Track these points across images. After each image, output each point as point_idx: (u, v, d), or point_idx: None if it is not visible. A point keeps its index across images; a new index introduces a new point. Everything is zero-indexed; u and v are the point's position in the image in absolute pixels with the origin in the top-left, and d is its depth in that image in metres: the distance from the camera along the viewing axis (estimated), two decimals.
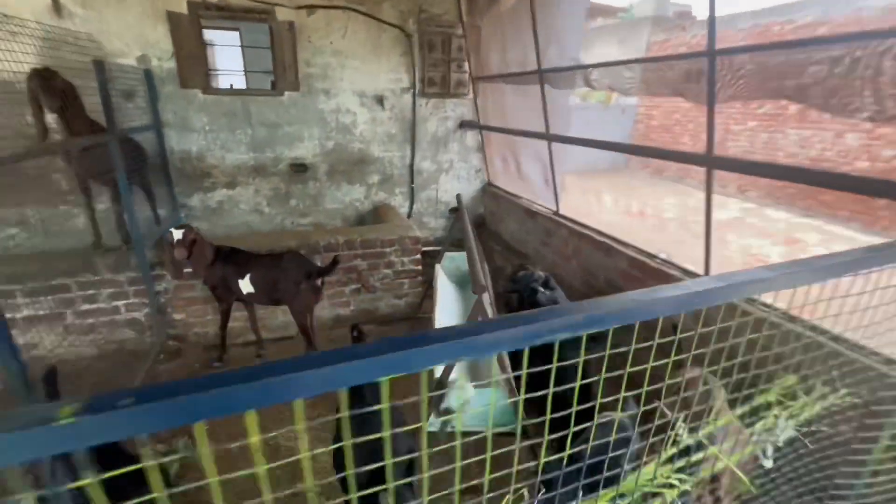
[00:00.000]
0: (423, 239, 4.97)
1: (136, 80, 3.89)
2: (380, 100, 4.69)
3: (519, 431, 1.04)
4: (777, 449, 1.21)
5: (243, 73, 4.63)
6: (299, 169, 4.63)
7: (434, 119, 4.96)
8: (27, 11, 3.37)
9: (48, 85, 2.71)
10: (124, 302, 3.54)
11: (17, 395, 2.07)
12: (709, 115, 2.10)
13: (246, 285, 3.24)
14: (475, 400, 2.05)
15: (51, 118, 2.87)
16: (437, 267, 3.66)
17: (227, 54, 6.08)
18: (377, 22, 4.44)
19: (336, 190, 4.85)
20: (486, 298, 1.95)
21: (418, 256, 4.30)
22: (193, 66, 4.01)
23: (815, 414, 1.30)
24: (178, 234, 2.98)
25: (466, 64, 4.83)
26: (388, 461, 0.70)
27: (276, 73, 4.30)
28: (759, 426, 1.19)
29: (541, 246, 4.17)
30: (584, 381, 0.84)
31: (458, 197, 3.50)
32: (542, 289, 3.01)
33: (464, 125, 5.07)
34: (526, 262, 4.37)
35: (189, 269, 3.16)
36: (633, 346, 0.82)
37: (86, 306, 3.43)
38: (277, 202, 4.68)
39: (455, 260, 3.80)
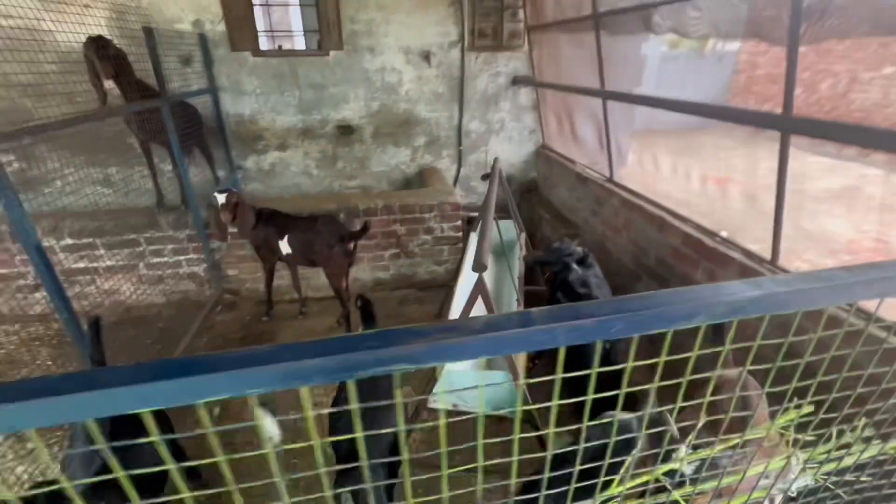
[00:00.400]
0: (468, 205, 4.80)
1: (192, 45, 4.05)
2: (426, 56, 4.45)
3: (519, 417, 0.92)
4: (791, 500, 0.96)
5: (291, 34, 4.63)
6: (345, 131, 4.62)
7: (484, 76, 4.63)
8: None
9: (102, 52, 2.89)
10: (185, 257, 3.87)
11: (71, 339, 2.34)
12: (789, 60, 1.64)
13: (285, 246, 3.36)
14: (478, 382, 1.94)
15: (109, 84, 3.09)
16: (472, 235, 3.50)
17: (278, 16, 6.12)
18: None
19: (382, 153, 4.80)
20: (485, 280, 1.78)
21: (459, 223, 4.17)
22: (242, 28, 4.07)
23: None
24: (221, 199, 3.11)
25: (521, 11, 4.37)
26: (360, 434, 0.63)
27: (320, 31, 4.23)
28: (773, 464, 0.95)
29: (591, 216, 3.81)
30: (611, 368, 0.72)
31: (495, 161, 3.25)
32: (576, 266, 2.75)
33: (517, 81, 4.67)
34: (575, 231, 4.05)
35: (234, 231, 3.33)
36: (697, 352, 0.70)
37: (154, 259, 3.80)
38: (325, 165, 4.75)
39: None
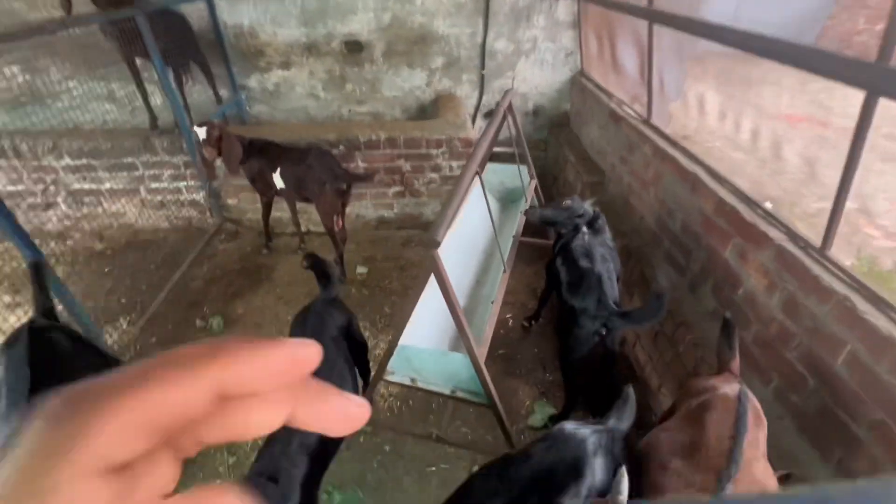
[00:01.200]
0: (490, 140, 4.31)
1: None
2: None
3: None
4: None
5: None
6: (353, 48, 4.12)
7: None
8: None
9: None
10: (183, 184, 3.78)
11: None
12: None
13: (278, 180, 3.15)
14: (441, 361, 1.74)
15: None
16: (477, 178, 3.12)
17: None
18: None
19: (395, 75, 4.29)
20: (440, 257, 1.49)
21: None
22: None
23: None
24: (201, 133, 2.85)
25: None
26: None
27: None
28: None
29: (619, 162, 3.28)
30: None
31: (507, 93, 2.76)
32: (586, 228, 2.36)
33: None
34: (600, 179, 3.55)
35: (219, 165, 3.12)
36: None
37: (153, 185, 3.74)
38: (333, 86, 4.34)
39: (498, 173, 3.19)
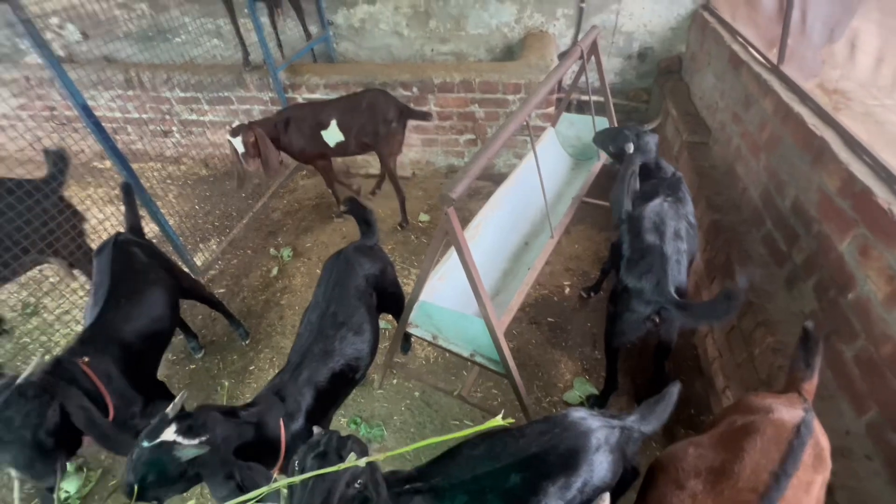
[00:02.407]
0: (569, 87, 3.88)
1: None
2: None
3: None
4: None
5: None
6: None
7: None
8: None
9: None
10: None
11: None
12: None
13: (333, 134, 3.04)
14: (461, 324, 1.67)
15: None
16: (550, 130, 2.82)
17: None
18: None
19: (482, 9, 3.94)
20: (454, 215, 1.34)
21: (550, 110, 3.40)
22: None
23: None
24: (238, 144, 2.66)
25: None
26: None
27: None
28: None
29: (730, 121, 2.71)
30: None
31: (591, 30, 2.36)
32: (633, 152, 2.05)
33: None
34: (703, 139, 3.01)
35: (256, 169, 2.81)
36: None
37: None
38: (417, 23, 4.13)
39: (575, 125, 2.83)
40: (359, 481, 1.00)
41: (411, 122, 3.65)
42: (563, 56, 2.30)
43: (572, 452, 1.19)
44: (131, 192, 2.21)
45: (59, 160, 2.37)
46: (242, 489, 1.12)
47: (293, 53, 3.91)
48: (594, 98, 2.56)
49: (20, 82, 4.21)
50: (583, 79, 2.61)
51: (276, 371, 2.58)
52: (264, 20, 3.88)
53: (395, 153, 3.16)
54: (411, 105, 3.32)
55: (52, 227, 2.23)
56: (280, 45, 4.14)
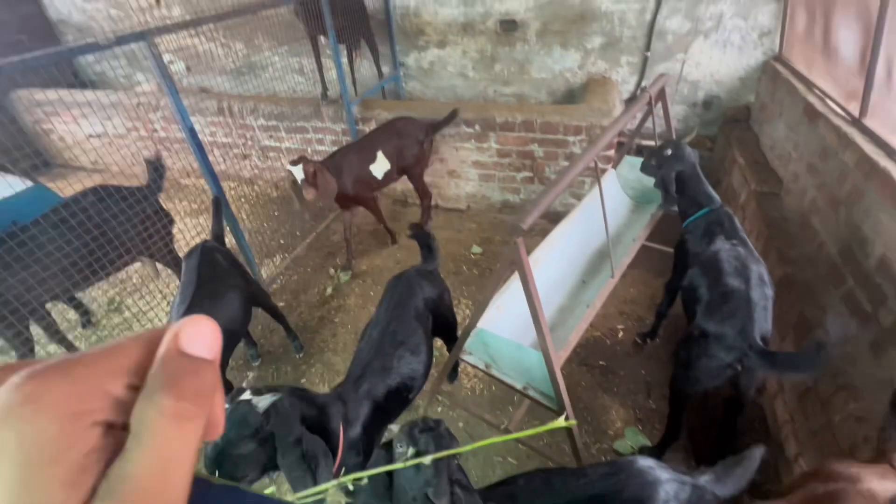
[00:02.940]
0: (632, 131, 3.90)
1: None
2: None
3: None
4: None
5: None
6: (508, 27, 4.06)
7: None
8: None
9: None
10: None
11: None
12: None
13: (381, 165, 3.21)
14: (517, 354, 1.68)
15: None
16: (611, 171, 2.84)
17: None
18: None
19: (546, 55, 4.11)
20: (522, 245, 1.38)
21: (611, 153, 3.43)
22: None
23: None
24: (298, 173, 2.70)
25: None
26: None
27: None
28: None
29: (805, 172, 2.61)
30: None
31: (659, 77, 2.40)
32: (670, 155, 2.11)
33: None
34: (774, 190, 2.91)
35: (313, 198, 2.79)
36: None
37: (319, 147, 4.33)
38: (482, 66, 4.37)
39: (637, 168, 2.83)
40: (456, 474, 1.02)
41: (470, 158, 3.83)
42: (629, 101, 2.33)
43: (637, 501, 1.14)
44: (220, 206, 2.44)
45: (157, 169, 2.68)
46: (307, 461, 1.15)
47: (365, 90, 4.23)
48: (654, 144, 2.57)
49: (127, 106, 4.81)
50: (648, 124, 2.64)
51: (326, 387, 2.67)
52: (343, 60, 4.25)
53: (425, 168, 3.50)
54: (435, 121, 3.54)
55: (151, 229, 2.49)
56: (354, 83, 4.50)
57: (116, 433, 0.21)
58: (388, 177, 3.33)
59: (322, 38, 3.94)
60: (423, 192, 3.59)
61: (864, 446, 1.56)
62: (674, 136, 2.64)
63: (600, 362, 2.67)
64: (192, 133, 2.42)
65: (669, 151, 2.24)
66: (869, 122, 2.22)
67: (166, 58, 5.27)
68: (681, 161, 2.23)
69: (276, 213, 4.43)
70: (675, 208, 2.27)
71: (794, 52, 3.26)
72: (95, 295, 3.36)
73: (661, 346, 2.72)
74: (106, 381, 0.22)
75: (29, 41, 5.62)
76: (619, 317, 2.96)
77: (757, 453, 1.28)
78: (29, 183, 2.69)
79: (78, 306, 3.09)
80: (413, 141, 3.26)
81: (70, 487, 0.19)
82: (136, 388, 0.22)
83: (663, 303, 2.50)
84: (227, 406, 1.17)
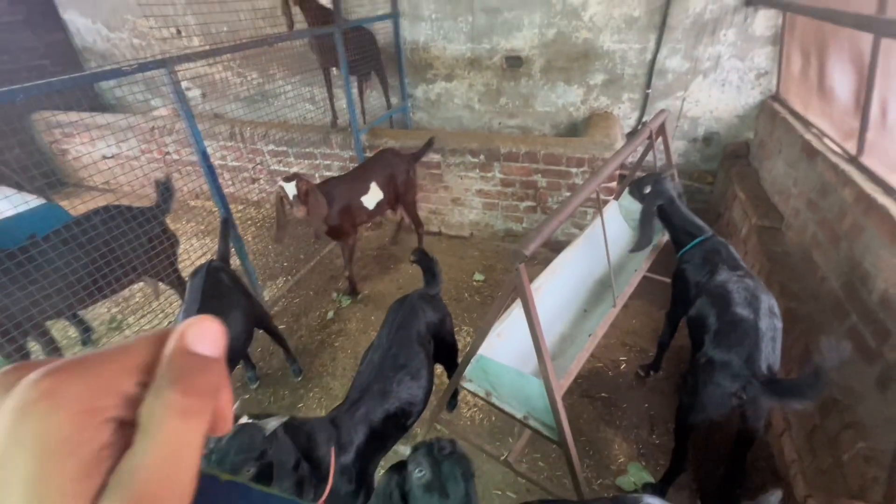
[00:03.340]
0: (634, 164, 3.98)
1: None
2: None
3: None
4: None
5: None
6: (513, 63, 4.22)
7: None
8: None
9: None
10: None
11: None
12: None
13: (374, 196, 3.24)
14: (517, 382, 1.66)
15: (295, 9, 3.47)
16: (613, 203, 2.88)
17: None
18: None
19: (550, 90, 4.24)
20: (525, 272, 1.40)
21: (613, 184, 3.49)
22: None
23: None
24: (290, 189, 2.60)
25: None
26: None
27: None
28: None
29: (805, 208, 2.65)
30: None
31: (659, 113, 2.48)
32: (650, 192, 2.20)
33: (755, 0, 3.34)
34: (774, 224, 2.93)
35: (301, 215, 2.68)
36: None
37: (325, 173, 4.42)
38: (488, 99, 4.51)
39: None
40: None
41: (474, 186, 3.90)
42: (631, 135, 2.39)
43: None
44: (228, 227, 2.48)
45: (166, 190, 2.73)
46: (301, 489, 1.14)
47: (373, 119, 4.35)
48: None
49: (142, 129, 4.96)
50: (649, 158, 2.71)
51: (324, 411, 2.62)
52: (353, 90, 4.40)
53: (415, 195, 3.64)
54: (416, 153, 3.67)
55: (157, 249, 2.52)
56: (363, 112, 4.64)
57: (127, 429, 0.22)
58: (381, 207, 3.37)
59: (334, 70, 4.10)
60: (416, 220, 3.74)
61: (874, 487, 1.51)
62: (675, 171, 2.69)
63: (602, 394, 2.63)
64: (204, 156, 2.49)
65: (649, 188, 2.29)
66: (866, 160, 2.27)
67: (184, 84, 5.49)
68: (660, 196, 2.27)
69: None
70: (649, 248, 2.34)
71: (790, 92, 3.36)
72: (98, 313, 3.37)
73: (664, 379, 2.69)
74: (118, 378, 0.23)
75: (52, 66, 5.86)
76: (622, 348, 2.94)
77: (774, 499, 1.23)
78: (42, 200, 2.76)
79: (79, 323, 3.09)
80: (402, 170, 3.39)
81: (83, 480, 0.20)
82: (145, 386, 0.23)
83: (665, 333, 2.49)
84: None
